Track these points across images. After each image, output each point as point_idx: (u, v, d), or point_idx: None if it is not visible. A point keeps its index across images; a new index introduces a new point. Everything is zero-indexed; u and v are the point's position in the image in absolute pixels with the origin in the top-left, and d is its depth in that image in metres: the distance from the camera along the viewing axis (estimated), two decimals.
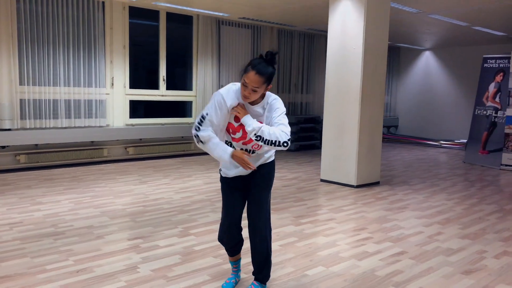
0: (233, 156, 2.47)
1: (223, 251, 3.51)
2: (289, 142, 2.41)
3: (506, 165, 7.85)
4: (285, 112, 2.53)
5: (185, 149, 8.21)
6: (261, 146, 2.54)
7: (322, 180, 6.35)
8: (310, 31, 10.00)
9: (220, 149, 2.49)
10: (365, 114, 5.94)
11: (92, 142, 7.10)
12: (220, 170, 2.74)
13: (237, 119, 2.53)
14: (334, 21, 6.12)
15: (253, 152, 2.60)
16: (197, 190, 5.58)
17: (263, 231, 2.66)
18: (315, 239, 3.88)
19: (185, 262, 3.27)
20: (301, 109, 10.18)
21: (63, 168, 6.74)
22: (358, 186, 5.99)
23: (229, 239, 2.77)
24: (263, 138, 2.38)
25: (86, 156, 7.05)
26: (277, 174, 6.80)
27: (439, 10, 7.08)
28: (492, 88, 8.33)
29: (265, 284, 2.78)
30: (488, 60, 8.49)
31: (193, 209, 4.71)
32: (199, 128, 2.49)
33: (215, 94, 2.51)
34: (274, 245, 3.67)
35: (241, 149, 2.58)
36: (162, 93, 7.93)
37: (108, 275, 3.02)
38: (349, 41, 5.93)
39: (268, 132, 2.38)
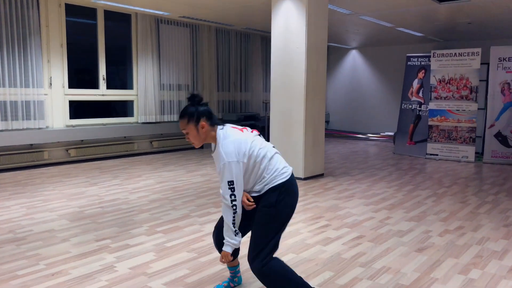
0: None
1: (196, 245, 3.62)
2: (231, 204, 2.39)
3: (431, 154, 8.64)
4: (224, 168, 2.37)
5: (128, 149, 8.08)
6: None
7: None
8: (247, 31, 10.23)
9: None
10: (309, 110, 6.28)
11: (31, 145, 6.78)
12: None
13: None
14: (277, 21, 6.37)
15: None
16: (151, 190, 5.57)
17: (255, 268, 2.41)
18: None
19: (161, 259, 3.33)
20: (240, 107, 10.39)
21: (3, 173, 6.38)
22: (306, 179, 6.32)
23: (214, 242, 2.76)
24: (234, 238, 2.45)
25: (26, 159, 6.72)
26: None
27: (369, 12, 7.63)
28: (415, 84, 9.11)
29: None
30: (411, 59, 9.26)
31: (153, 208, 4.73)
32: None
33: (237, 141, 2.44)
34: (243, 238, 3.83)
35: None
36: (102, 93, 7.74)
37: (86, 275, 3.01)
38: (293, 41, 6.22)
39: (228, 234, 2.46)
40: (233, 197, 2.38)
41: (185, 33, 9.01)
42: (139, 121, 8.25)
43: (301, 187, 5.85)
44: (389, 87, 12.26)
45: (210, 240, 3.75)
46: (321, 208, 4.85)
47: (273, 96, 6.50)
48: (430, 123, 8.64)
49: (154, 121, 8.41)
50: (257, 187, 2.47)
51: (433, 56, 8.58)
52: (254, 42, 10.60)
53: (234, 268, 2.88)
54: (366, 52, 12.69)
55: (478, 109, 8.33)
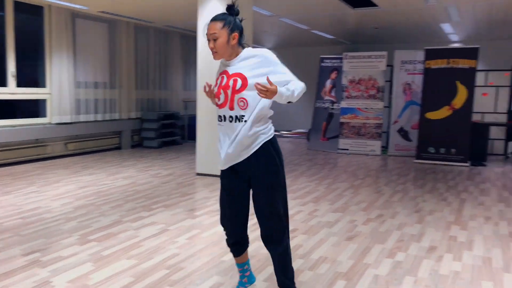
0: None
1: (135, 251, 3.56)
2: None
3: (342, 149, 9.23)
4: (281, 64, 2.44)
5: (40, 153, 7.56)
6: (247, 105, 2.38)
7: (198, 174, 6.62)
8: (167, 28, 10.05)
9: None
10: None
11: None
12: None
13: (216, 84, 2.49)
14: (203, 20, 6.38)
15: (242, 119, 2.39)
16: (74, 196, 5.31)
17: (280, 246, 2.46)
18: (216, 228, 4.16)
19: (100, 268, 3.22)
20: (159, 105, 10.20)
21: None
22: None
23: (232, 239, 2.64)
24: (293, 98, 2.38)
25: None
26: (152, 172, 6.83)
27: (288, 14, 7.94)
28: (328, 84, 9.66)
29: None
30: (325, 60, 9.80)
31: (80, 216, 4.52)
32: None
33: None
34: (181, 239, 3.85)
35: (230, 116, 2.41)
36: (11, 91, 7.15)
37: None
38: None
39: (295, 93, 2.37)
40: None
41: (102, 29, 8.63)
42: (52, 122, 7.75)
43: None
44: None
45: (149, 245, 3.70)
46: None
47: (200, 94, 6.50)
48: (341, 120, 9.23)
49: (69, 121, 7.95)
50: (256, 129, 2.40)
51: (345, 58, 9.17)
52: (174, 39, 10.46)
53: (242, 265, 2.78)
54: (280, 52, 13.12)
55: (384, 107, 9.08)
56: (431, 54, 8.17)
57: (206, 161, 6.55)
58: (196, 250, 3.60)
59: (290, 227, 4.18)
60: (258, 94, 2.26)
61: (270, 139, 2.45)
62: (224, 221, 2.66)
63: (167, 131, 9.78)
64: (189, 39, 10.97)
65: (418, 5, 7.04)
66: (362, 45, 11.74)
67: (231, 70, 2.43)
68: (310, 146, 9.86)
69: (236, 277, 3.05)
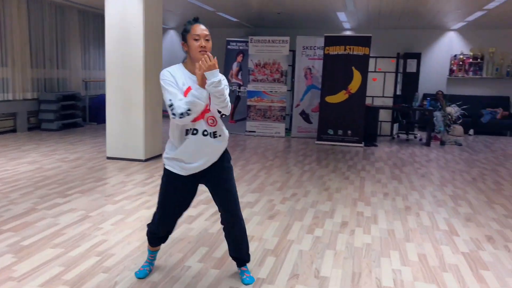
0: (200, 84, 2.42)
1: (59, 239, 3.43)
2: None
3: (250, 131, 9.53)
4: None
5: None
6: (216, 122, 2.55)
7: (108, 158, 6.41)
8: (63, 2, 9.33)
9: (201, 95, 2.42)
10: (148, 90, 6.29)
11: None
12: (164, 164, 2.66)
13: (187, 92, 2.49)
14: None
15: (215, 135, 2.55)
16: None
17: (242, 222, 2.77)
18: (140, 212, 4.15)
19: (23, 259, 3.07)
20: (58, 85, 9.53)
21: None
22: (146, 160, 6.36)
23: (163, 229, 2.77)
24: (223, 94, 2.42)
25: None
26: (58, 156, 6.46)
27: None
28: (235, 67, 9.83)
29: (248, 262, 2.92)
30: (231, 43, 9.93)
31: None
32: (175, 112, 2.41)
33: (161, 75, 2.51)
34: (106, 225, 3.79)
35: (205, 130, 2.52)
36: None
37: None
38: (129, 20, 6.08)
39: (225, 95, 2.45)
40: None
41: None
42: None
43: (145, 169, 5.89)
44: None
45: (72, 232, 3.59)
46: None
47: (110, 75, 6.27)
48: (248, 103, 9.50)
49: None
50: (223, 139, 2.61)
51: (251, 42, 9.40)
52: (71, 15, 9.77)
53: (156, 252, 2.97)
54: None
55: (287, 91, 9.53)
56: (330, 41, 8.74)
57: (117, 144, 6.37)
58: (124, 235, 3.58)
59: (213, 209, 4.33)
60: (199, 65, 2.41)
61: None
62: (166, 219, 2.74)
63: (67, 113, 9.21)
64: (89, 15, 10.35)
65: None
66: (266, 29, 12.09)
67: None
68: None
69: (168, 260, 3.13)
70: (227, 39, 10.05)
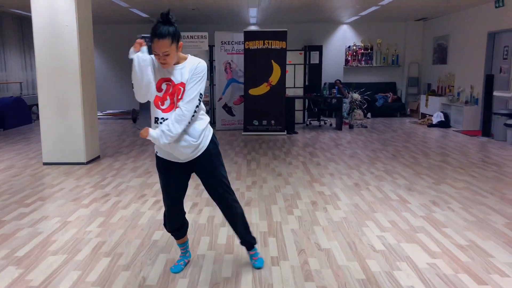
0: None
1: (53, 247, 3.34)
2: (177, 127, 2.46)
3: None
4: (201, 79, 2.54)
5: None
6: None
7: (45, 164, 6.05)
8: None
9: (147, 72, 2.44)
10: (85, 90, 6.06)
11: None
12: (156, 152, 2.71)
13: (159, 89, 2.53)
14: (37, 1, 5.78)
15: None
16: None
17: (234, 208, 2.80)
18: (119, 212, 4.12)
19: (31, 269, 2.96)
20: None
21: None
22: (88, 162, 6.13)
23: (171, 223, 2.80)
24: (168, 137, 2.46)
25: None
26: None
27: None
28: None
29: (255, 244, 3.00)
30: (147, 39, 9.74)
31: None
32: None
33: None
34: (93, 228, 3.73)
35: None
36: None
37: None
38: (60, 18, 5.79)
39: (164, 134, 2.45)
40: (196, 108, 2.50)
41: None
42: None
43: (91, 171, 5.71)
44: (114, 64, 12.45)
45: (64, 238, 3.49)
46: (136, 188, 5.01)
47: (42, 77, 5.91)
48: None
49: None
50: (193, 131, 2.57)
51: None
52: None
53: (185, 244, 3.01)
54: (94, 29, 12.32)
55: (213, 85, 9.73)
56: (249, 36, 9.13)
57: (54, 149, 6.04)
58: (119, 235, 3.59)
59: (190, 203, 4.47)
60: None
61: (214, 144, 2.74)
62: (170, 209, 2.80)
63: None
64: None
65: None
66: (183, 25, 12.05)
67: (175, 78, 2.54)
68: (140, 125, 9.84)
69: (179, 252, 3.26)
70: (143, 35, 9.87)
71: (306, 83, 11.16)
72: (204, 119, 2.67)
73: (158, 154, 2.71)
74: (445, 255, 3.19)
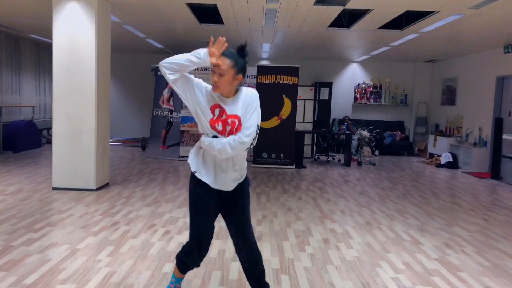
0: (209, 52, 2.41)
1: (62, 276, 3.29)
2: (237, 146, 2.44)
3: (183, 157, 9.56)
4: (256, 109, 2.52)
5: None
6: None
7: (54, 188, 6.04)
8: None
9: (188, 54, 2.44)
10: (99, 116, 6.11)
11: None
12: (194, 172, 2.60)
13: (214, 113, 2.50)
14: (59, 24, 5.91)
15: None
16: None
17: (258, 251, 2.73)
18: (129, 242, 4.07)
19: None
20: None
21: None
22: (98, 189, 6.12)
23: (200, 258, 2.70)
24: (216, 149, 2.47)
25: None
26: None
27: (132, 22, 7.88)
28: (166, 93, 9.83)
29: None
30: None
31: None
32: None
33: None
34: (102, 257, 3.68)
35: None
36: None
37: None
38: (80, 46, 5.91)
39: (218, 147, 2.46)
40: (253, 140, 2.47)
41: None
42: None
43: (101, 198, 5.68)
44: (126, 91, 12.64)
45: (72, 267, 3.44)
46: (145, 217, 4.96)
47: (58, 102, 5.98)
48: (181, 128, 9.55)
49: None
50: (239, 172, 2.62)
51: None
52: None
53: (182, 280, 2.89)
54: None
55: None
56: (261, 70, 9.26)
57: (65, 174, 6.04)
58: (129, 265, 3.53)
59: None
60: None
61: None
62: (204, 241, 2.69)
63: None
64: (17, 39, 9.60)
65: (257, 26, 7.97)
66: None
67: (228, 109, 2.51)
68: (149, 154, 9.86)
69: (190, 286, 3.20)
70: (157, 65, 10.03)
71: (316, 118, 11.21)
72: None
73: (203, 179, 2.58)
74: None
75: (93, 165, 6.03)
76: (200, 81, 2.57)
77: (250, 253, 2.72)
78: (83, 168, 6.02)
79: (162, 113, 9.85)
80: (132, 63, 12.67)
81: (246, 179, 2.73)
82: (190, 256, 2.69)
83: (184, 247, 2.76)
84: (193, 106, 2.54)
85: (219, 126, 2.51)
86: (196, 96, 2.51)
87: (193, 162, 2.66)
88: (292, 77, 9.23)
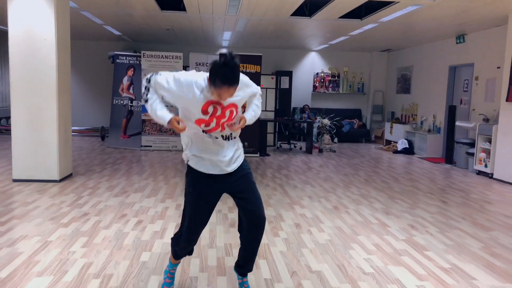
0: (170, 122, 2.43)
1: (37, 268, 3.20)
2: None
3: (145, 146, 9.41)
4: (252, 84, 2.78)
5: None
6: (238, 128, 2.58)
7: (15, 180, 5.80)
8: None
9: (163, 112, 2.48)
10: (61, 105, 5.91)
11: None
12: (188, 160, 2.59)
13: (205, 112, 2.44)
14: (14, 10, 5.63)
15: (229, 137, 2.60)
16: None
17: (262, 228, 2.68)
18: (102, 233, 4.00)
19: None
20: None
21: None
22: (61, 180, 5.93)
23: (191, 244, 2.73)
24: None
25: None
26: None
27: (91, 8, 7.62)
28: (126, 81, 9.60)
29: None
30: (120, 57, 9.67)
31: None
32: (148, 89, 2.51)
33: (193, 74, 2.47)
34: (76, 248, 3.61)
35: (222, 135, 2.56)
36: None
37: None
38: (38, 33, 5.67)
39: (255, 115, 2.76)
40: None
41: None
42: None
43: (66, 189, 5.53)
44: (83, 80, 12.20)
45: (46, 259, 3.35)
46: (115, 207, 4.88)
47: (16, 92, 5.73)
48: (143, 117, 9.38)
49: None
50: (239, 146, 2.74)
51: (143, 56, 9.32)
52: None
53: (178, 265, 2.95)
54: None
55: None
56: None
57: (26, 165, 5.82)
58: (105, 256, 3.48)
59: (174, 225, 4.41)
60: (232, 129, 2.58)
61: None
62: (195, 229, 2.67)
63: None
64: None
65: (219, 13, 7.91)
66: (148, 44, 12.00)
67: (224, 101, 2.47)
68: (110, 143, 9.62)
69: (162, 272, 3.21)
70: (116, 52, 9.78)
71: (277, 107, 11.32)
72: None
73: (198, 169, 2.58)
74: (431, 278, 3.30)
75: (56, 155, 5.85)
76: (191, 83, 2.43)
77: (259, 229, 2.65)
78: (45, 159, 5.82)
79: (122, 102, 9.63)
80: (89, 51, 12.24)
81: (246, 161, 2.74)
82: (181, 244, 2.72)
83: (175, 234, 2.80)
84: (181, 113, 2.54)
85: (213, 124, 2.50)
86: (183, 106, 2.50)
87: (186, 152, 2.65)
88: (255, 66, 9.26)
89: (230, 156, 2.61)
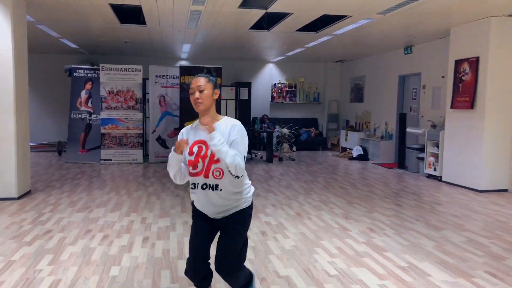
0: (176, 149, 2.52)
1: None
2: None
3: (105, 160, 9.29)
4: (245, 136, 2.58)
5: None
6: (222, 175, 2.51)
7: None
8: None
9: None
10: (19, 121, 5.79)
11: None
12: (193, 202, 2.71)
13: (191, 152, 2.54)
14: None
15: (217, 188, 2.54)
16: None
17: (229, 270, 2.65)
18: (68, 249, 3.98)
19: None
20: None
21: None
22: (20, 197, 5.79)
23: (195, 274, 2.66)
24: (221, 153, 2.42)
25: None
26: None
27: (47, 22, 7.51)
28: (84, 94, 9.47)
29: None
30: (77, 70, 9.53)
31: None
32: None
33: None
34: (43, 266, 3.58)
35: (204, 184, 2.55)
36: None
37: None
38: None
39: (227, 150, 2.43)
40: (244, 159, 2.51)
41: None
42: None
43: (26, 207, 5.41)
44: (39, 94, 11.86)
45: (12, 278, 3.31)
46: (79, 223, 4.84)
47: None
48: (102, 131, 9.27)
49: None
50: (238, 196, 2.60)
51: (102, 70, 9.24)
52: None
53: None
54: None
55: (146, 117, 9.67)
56: (185, 71, 9.30)
57: None
58: (74, 272, 3.48)
59: (144, 237, 4.43)
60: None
61: (249, 205, 2.70)
62: (192, 256, 2.68)
63: None
64: None
65: (179, 27, 8.00)
66: (106, 57, 11.85)
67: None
68: (68, 158, 9.42)
69: (139, 285, 3.26)
70: (73, 66, 9.64)
71: (237, 118, 11.48)
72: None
73: (194, 204, 2.69)
74: (391, 277, 3.52)
75: (14, 172, 5.72)
76: (181, 134, 2.71)
77: (222, 275, 2.69)
78: (2, 176, 5.68)
79: (80, 116, 9.48)
80: (45, 64, 11.92)
81: (246, 209, 2.68)
82: (188, 272, 2.70)
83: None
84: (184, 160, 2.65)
85: (200, 164, 2.54)
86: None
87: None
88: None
89: (218, 209, 2.62)
